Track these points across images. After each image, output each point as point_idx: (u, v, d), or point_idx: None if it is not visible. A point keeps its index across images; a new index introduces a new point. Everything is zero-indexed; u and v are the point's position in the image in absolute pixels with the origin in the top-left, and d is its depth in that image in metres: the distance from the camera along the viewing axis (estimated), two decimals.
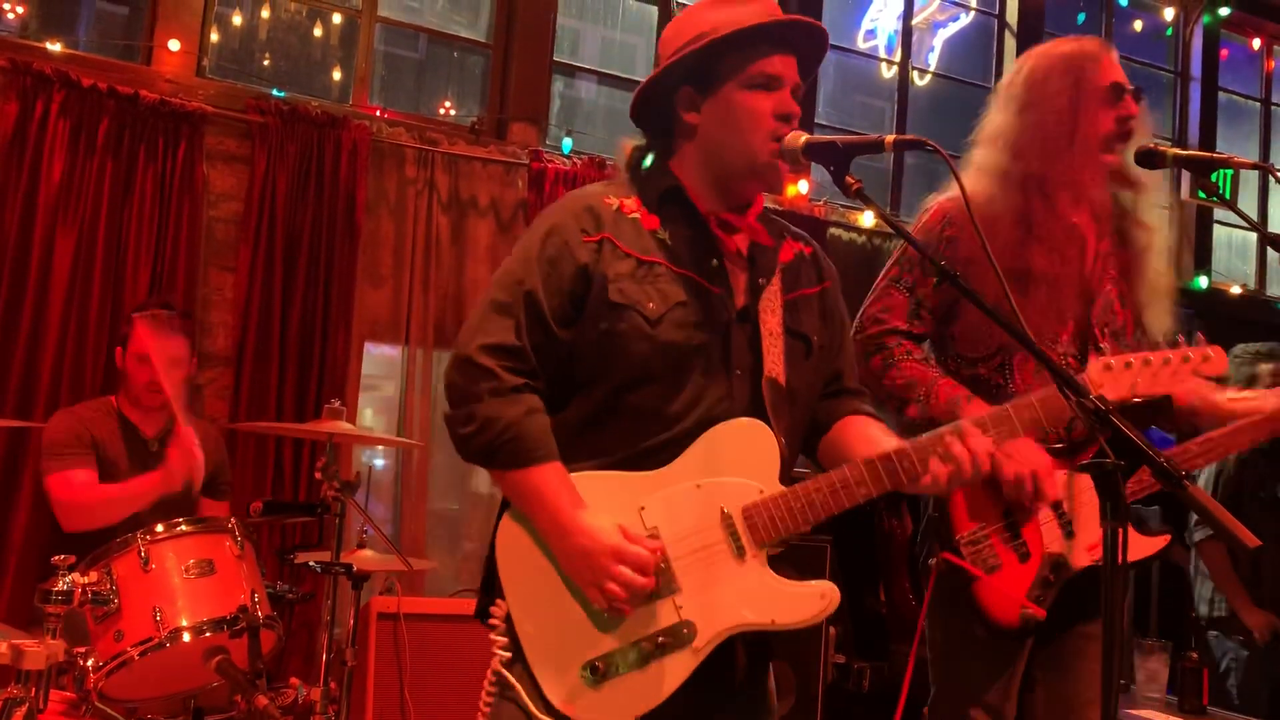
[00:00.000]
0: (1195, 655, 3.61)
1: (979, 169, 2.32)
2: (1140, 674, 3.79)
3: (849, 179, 1.66)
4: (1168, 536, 2.23)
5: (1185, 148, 7.20)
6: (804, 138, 1.72)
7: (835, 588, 1.65)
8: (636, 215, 1.74)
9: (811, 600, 1.65)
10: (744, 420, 1.68)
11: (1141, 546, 2.23)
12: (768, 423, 1.68)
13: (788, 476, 1.73)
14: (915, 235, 2.27)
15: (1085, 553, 2.18)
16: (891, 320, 2.28)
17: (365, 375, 5.01)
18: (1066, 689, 2.30)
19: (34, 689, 2.27)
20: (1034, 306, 2.19)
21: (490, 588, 1.72)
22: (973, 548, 2.17)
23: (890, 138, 1.66)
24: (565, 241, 1.69)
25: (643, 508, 1.65)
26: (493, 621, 1.68)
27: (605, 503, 1.64)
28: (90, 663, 2.53)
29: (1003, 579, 2.16)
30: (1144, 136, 2.29)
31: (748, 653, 1.73)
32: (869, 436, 1.81)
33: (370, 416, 6.46)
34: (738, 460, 1.67)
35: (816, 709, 4.27)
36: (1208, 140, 7.42)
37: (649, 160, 1.82)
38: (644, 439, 1.67)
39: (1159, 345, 2.32)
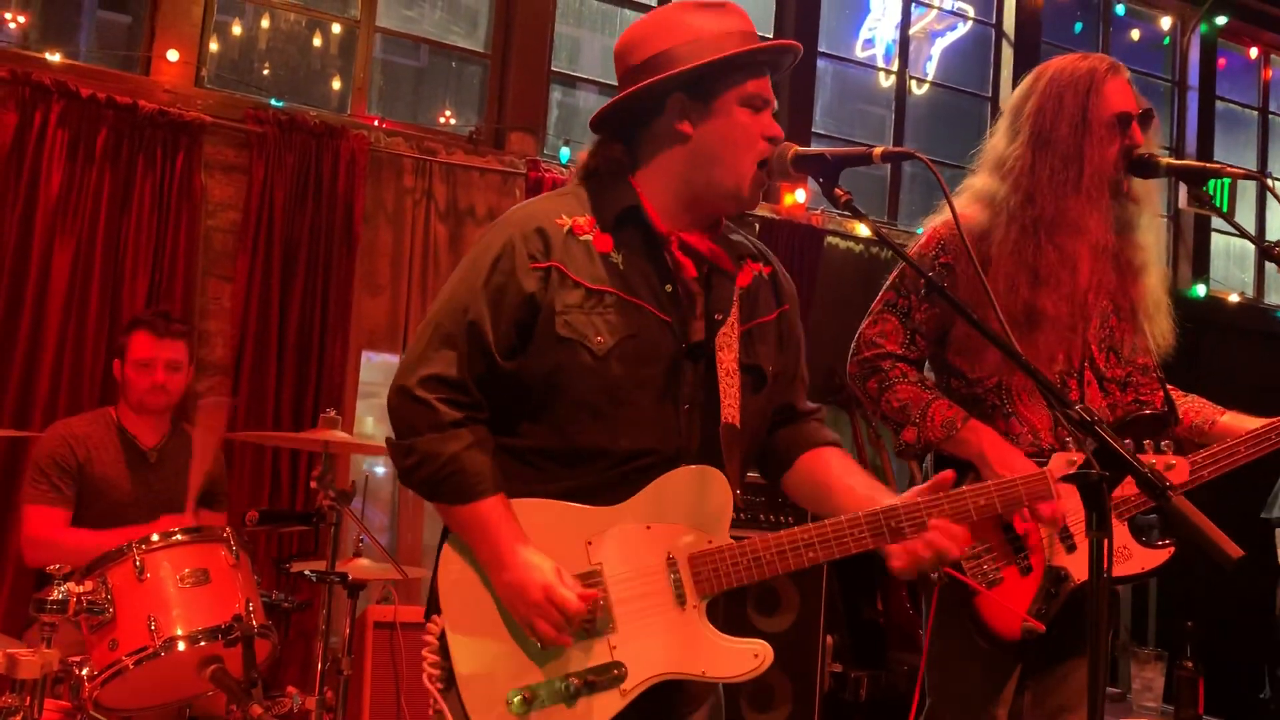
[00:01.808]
0: (1191, 664, 3.61)
1: (981, 197, 2.29)
2: (1136, 682, 3.79)
3: (838, 191, 1.66)
4: (1171, 549, 2.23)
5: (1183, 157, 7.22)
6: (793, 150, 1.72)
7: (769, 648, 1.65)
8: (589, 237, 1.71)
9: (745, 658, 1.64)
10: (701, 468, 1.67)
11: (1145, 559, 2.23)
12: (723, 468, 1.68)
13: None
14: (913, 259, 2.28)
15: (1087, 567, 2.16)
16: (887, 345, 2.27)
17: (368, 384, 5.01)
18: (1053, 697, 2.30)
19: (29, 698, 2.28)
20: (1041, 349, 2.19)
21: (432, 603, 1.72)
22: (973, 563, 2.16)
23: (879, 149, 1.67)
24: (513, 268, 1.66)
25: (590, 542, 1.65)
26: (426, 636, 1.68)
27: (553, 532, 1.64)
28: (85, 672, 2.54)
29: (1004, 593, 2.16)
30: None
31: (683, 694, 1.71)
32: (846, 483, 1.79)
33: (372, 425, 6.46)
34: (691, 507, 1.66)
35: (814, 718, 4.27)
36: (1205, 149, 7.43)
37: (608, 170, 1.79)
38: (592, 472, 1.66)
39: (1155, 356, 2.35)
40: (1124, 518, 2.21)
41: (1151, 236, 2.33)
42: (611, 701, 1.61)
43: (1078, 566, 2.17)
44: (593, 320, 1.65)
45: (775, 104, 1.76)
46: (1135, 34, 7.47)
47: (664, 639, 1.63)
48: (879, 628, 4.91)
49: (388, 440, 1.70)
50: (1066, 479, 1.39)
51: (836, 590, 4.52)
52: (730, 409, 1.71)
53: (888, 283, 2.35)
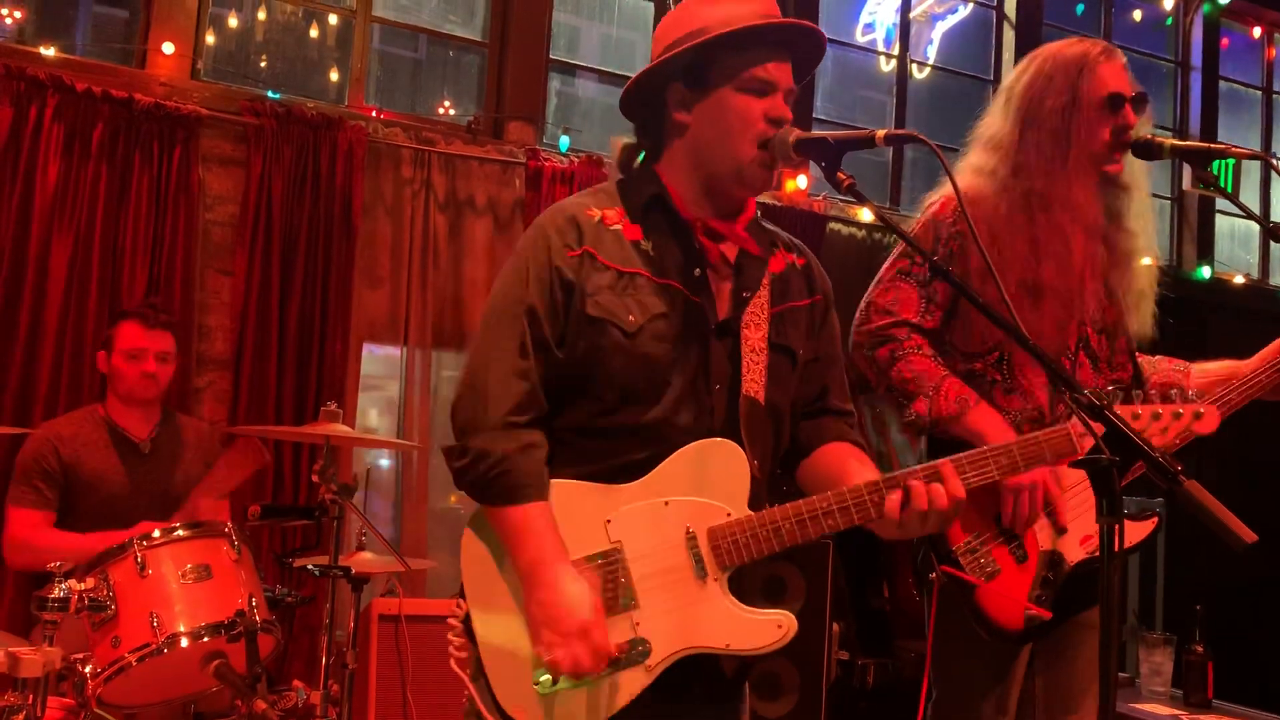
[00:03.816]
0: (1200, 649, 3.59)
1: (979, 171, 2.29)
2: (1145, 667, 3.77)
3: (840, 175, 1.64)
4: (1155, 519, 2.23)
5: (1186, 138, 7.19)
6: (795, 134, 1.70)
7: (793, 618, 1.65)
8: (618, 227, 1.73)
9: (769, 629, 1.64)
10: (717, 440, 1.67)
11: (1131, 533, 2.22)
12: (741, 442, 1.68)
13: (768, 495, 1.73)
14: (923, 224, 2.28)
15: (1079, 547, 2.18)
16: (902, 312, 2.23)
17: (369, 376, 4.99)
18: (1064, 679, 2.30)
19: (31, 696, 2.27)
20: (1048, 319, 2.18)
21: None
22: (970, 556, 2.16)
23: (881, 132, 1.65)
24: (550, 256, 1.70)
25: (609, 520, 1.66)
26: (450, 620, 1.70)
27: (571, 513, 1.66)
28: (88, 669, 2.53)
29: (1003, 583, 2.15)
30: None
31: (716, 665, 1.71)
32: (848, 469, 1.78)
33: (375, 417, 6.46)
34: (708, 480, 1.66)
35: (821, 706, 4.26)
36: (1209, 130, 7.38)
37: (638, 160, 1.82)
38: (624, 453, 1.67)
39: (1136, 347, 2.35)
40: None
41: (1141, 223, 2.32)
42: (637, 678, 1.62)
43: (1070, 548, 2.17)
44: (624, 301, 1.68)
45: (789, 86, 1.73)
46: (1137, 15, 7.42)
47: (686, 614, 1.63)
48: (886, 615, 4.90)
49: (443, 447, 1.72)
50: (1075, 464, 1.37)
51: (843, 578, 4.50)
52: (753, 384, 1.72)
53: (899, 250, 2.31)
